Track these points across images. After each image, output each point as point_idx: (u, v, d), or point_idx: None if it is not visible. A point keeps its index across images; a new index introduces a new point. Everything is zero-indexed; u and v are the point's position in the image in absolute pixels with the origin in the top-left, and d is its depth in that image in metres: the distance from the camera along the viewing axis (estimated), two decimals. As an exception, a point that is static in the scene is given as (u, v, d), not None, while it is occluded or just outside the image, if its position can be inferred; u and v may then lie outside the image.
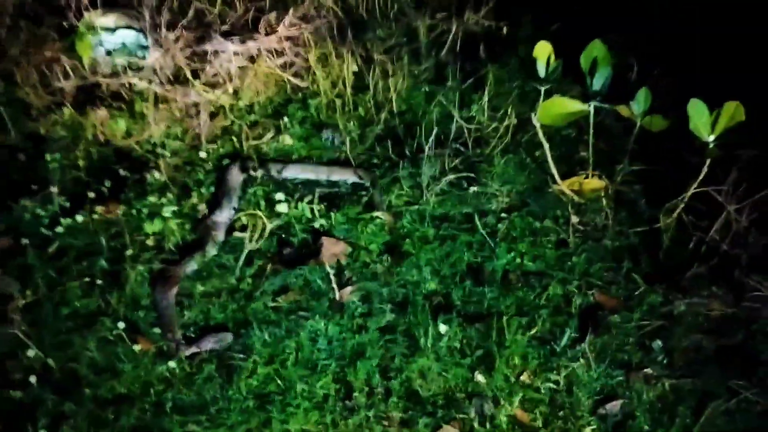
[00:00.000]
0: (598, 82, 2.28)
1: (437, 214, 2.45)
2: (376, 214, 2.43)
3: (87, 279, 2.18)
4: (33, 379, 1.93)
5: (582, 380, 1.98)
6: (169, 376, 1.97)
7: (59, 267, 2.21)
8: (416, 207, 2.46)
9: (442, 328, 2.08)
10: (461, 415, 1.90)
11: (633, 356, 2.06)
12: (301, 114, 2.74)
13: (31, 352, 1.98)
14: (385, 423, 1.89)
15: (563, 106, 2.26)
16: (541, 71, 2.27)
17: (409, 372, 1.99)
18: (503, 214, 2.44)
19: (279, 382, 1.96)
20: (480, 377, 1.98)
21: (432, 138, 2.50)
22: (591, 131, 2.37)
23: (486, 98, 2.66)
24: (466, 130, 2.63)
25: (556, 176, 2.40)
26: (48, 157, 2.50)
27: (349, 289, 2.20)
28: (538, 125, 2.28)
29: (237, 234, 2.36)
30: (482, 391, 1.96)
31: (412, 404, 1.93)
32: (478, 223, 2.39)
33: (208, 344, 2.04)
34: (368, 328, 2.10)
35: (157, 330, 2.08)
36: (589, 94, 2.32)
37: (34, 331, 2.04)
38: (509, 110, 2.63)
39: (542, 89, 2.32)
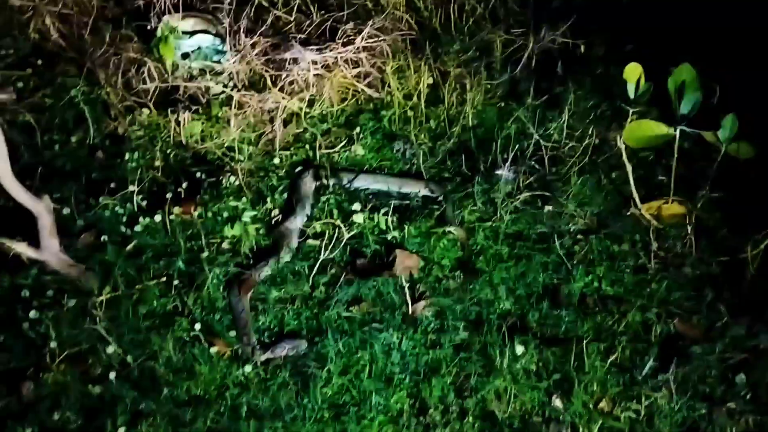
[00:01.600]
0: (686, 107, 2.23)
1: (511, 232, 2.41)
2: (448, 229, 2.41)
3: (164, 279, 2.20)
4: (112, 375, 1.96)
5: (663, 411, 1.93)
6: (244, 381, 1.98)
7: (137, 265, 2.24)
8: (489, 224, 2.43)
9: (519, 349, 2.05)
10: (539, 439, 1.87)
11: (716, 389, 2.00)
12: (373, 124, 2.73)
13: (110, 349, 2.01)
14: (460, 442, 1.87)
15: (650, 128, 2.21)
16: (631, 92, 2.23)
17: (485, 392, 1.96)
18: (579, 236, 2.39)
19: (354, 393, 1.95)
20: (557, 402, 1.94)
21: (508, 154, 2.48)
22: (675, 155, 2.32)
23: (565, 116, 2.62)
24: (543, 148, 2.59)
25: (637, 199, 2.35)
26: (127, 156, 2.53)
27: (422, 303, 2.18)
28: (622, 147, 2.24)
29: (310, 241, 2.36)
30: (560, 416, 1.92)
31: (488, 425, 1.90)
32: (554, 244, 2.35)
33: (283, 350, 2.04)
34: (442, 344, 2.08)
35: (232, 333, 2.08)
36: (675, 117, 2.27)
37: (113, 327, 2.07)
38: (590, 129, 2.59)
39: (631, 111, 2.27)
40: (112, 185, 2.42)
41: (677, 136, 2.26)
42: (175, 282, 2.14)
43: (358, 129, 2.67)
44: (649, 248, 2.31)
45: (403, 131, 2.67)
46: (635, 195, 2.33)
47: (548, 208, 2.47)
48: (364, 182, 2.54)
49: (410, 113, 2.70)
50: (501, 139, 2.61)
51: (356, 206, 2.41)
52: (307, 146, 2.60)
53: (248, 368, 1.98)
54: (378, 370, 2.00)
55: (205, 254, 2.21)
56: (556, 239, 2.36)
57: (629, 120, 2.27)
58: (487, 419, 1.91)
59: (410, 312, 2.15)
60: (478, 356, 2.05)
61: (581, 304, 2.20)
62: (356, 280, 2.22)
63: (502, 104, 2.77)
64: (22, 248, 2.14)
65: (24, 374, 1.92)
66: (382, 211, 2.38)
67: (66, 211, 2.35)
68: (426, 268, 2.28)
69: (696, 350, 2.06)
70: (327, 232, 2.33)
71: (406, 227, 2.38)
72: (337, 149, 2.61)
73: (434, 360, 2.03)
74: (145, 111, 2.70)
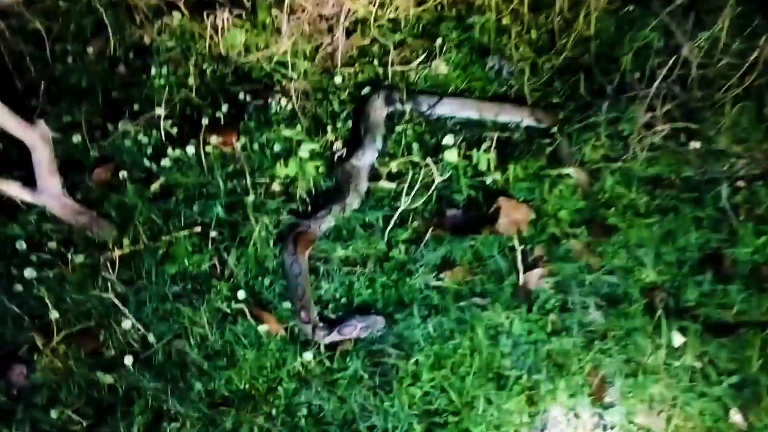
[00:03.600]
0: None
1: (648, 176, 1.84)
2: (565, 170, 1.83)
3: (198, 229, 1.69)
4: (128, 359, 1.47)
5: None
6: (302, 372, 1.48)
7: (164, 211, 1.74)
8: (619, 164, 1.86)
9: (676, 339, 1.49)
10: (718, 475, 1.33)
11: None
12: (459, 35, 2.15)
13: (126, 323, 1.52)
14: (604, 472, 1.35)
15: None
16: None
17: (636, 398, 1.42)
18: (740, 183, 1.79)
19: (452, 395, 1.43)
20: (737, 417, 1.39)
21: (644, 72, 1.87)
22: None
23: (724, 24, 1.97)
24: (688, 66, 1.96)
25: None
26: (153, 71, 2.03)
27: (537, 271, 1.64)
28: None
29: (384, 184, 1.82)
30: (743, 439, 1.38)
31: (641, 448, 1.38)
32: (708, 194, 1.76)
33: (354, 331, 1.53)
34: (569, 329, 1.53)
35: (286, 305, 1.57)
36: None
37: (131, 294, 1.58)
38: (753, 43, 1.95)
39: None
40: (135, 107, 1.95)
41: None
42: (213, 234, 1.69)
43: (439, 40, 2.12)
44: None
45: (497, 43, 2.13)
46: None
47: (694, 144, 1.88)
48: (450, 108, 2.03)
49: (507, 20, 2.13)
50: (626, 53, 1.97)
51: (448, 140, 1.83)
52: (376, 62, 2.09)
53: (308, 355, 1.48)
54: (483, 364, 1.47)
55: (251, 198, 1.72)
56: (707, 187, 1.77)
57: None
58: (639, 439, 1.38)
59: (521, 283, 1.61)
60: (620, 348, 1.50)
61: (754, 277, 1.61)
62: (447, 237, 1.68)
63: (630, 7, 2.09)
64: (13, 190, 1.65)
65: (14, 355, 1.46)
66: (483, 147, 1.80)
67: (76, 138, 1.85)
68: (539, 222, 1.73)
69: None
70: (406, 172, 1.76)
71: (511, 167, 1.81)
72: (413, 66, 2.07)
73: (560, 352, 1.49)
74: (177, 15, 2.17)
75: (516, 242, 1.63)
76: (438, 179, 1.73)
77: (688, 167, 1.86)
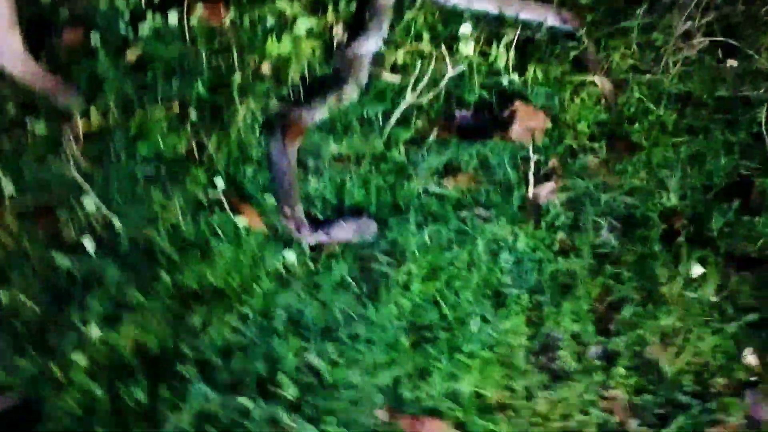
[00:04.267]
0: None
1: (679, 93, 1.66)
2: (589, 78, 1.65)
3: (176, 107, 1.50)
4: (89, 244, 1.31)
5: None
6: (283, 273, 1.33)
7: (140, 84, 1.54)
8: (648, 77, 1.67)
9: (695, 269, 1.36)
10: (726, 417, 1.22)
11: None
12: None
13: (89, 204, 1.36)
14: (606, 402, 1.23)
15: None
16: None
17: (643, 331, 1.30)
18: (778, 107, 1.63)
19: (445, 310, 1.30)
20: (751, 358, 1.28)
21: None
22: None
23: None
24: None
25: None
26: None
27: (549, 185, 1.48)
28: None
29: (387, 76, 1.63)
30: (760, 380, 1.26)
31: (646, 382, 1.26)
32: (743, 117, 1.60)
33: (342, 233, 1.38)
34: (579, 250, 1.39)
35: (270, 200, 1.41)
36: None
37: (97, 173, 1.41)
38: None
39: None
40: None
41: None
42: (192, 114, 1.46)
43: None
44: None
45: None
46: None
47: (732, 62, 1.69)
48: (466, -1, 1.75)
49: None
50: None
51: (465, 28, 1.63)
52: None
53: (290, 254, 1.33)
54: (481, 279, 1.34)
55: (237, 78, 1.50)
56: (742, 109, 1.60)
57: None
58: (647, 372, 1.26)
59: (531, 196, 1.45)
60: (633, 274, 1.36)
61: (785, 210, 1.47)
62: (453, 140, 1.51)
63: None
64: (-34, 43, 1.44)
65: (-39, 230, 1.30)
66: (503, 41, 1.61)
67: (43, -9, 1.62)
68: (556, 132, 1.56)
69: None
70: (412, 65, 1.58)
71: (530, 69, 1.62)
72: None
73: (566, 273, 1.35)
74: None
75: (531, 151, 1.46)
76: (450, 72, 1.54)
77: (722, 86, 1.67)
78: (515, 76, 1.63)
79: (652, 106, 1.63)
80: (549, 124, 1.58)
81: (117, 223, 1.36)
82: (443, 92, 1.59)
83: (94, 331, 1.23)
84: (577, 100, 1.63)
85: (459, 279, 1.34)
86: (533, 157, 1.45)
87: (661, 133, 1.59)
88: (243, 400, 1.18)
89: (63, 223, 1.35)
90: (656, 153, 1.55)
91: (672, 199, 1.48)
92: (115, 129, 1.48)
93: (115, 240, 1.34)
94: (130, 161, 1.44)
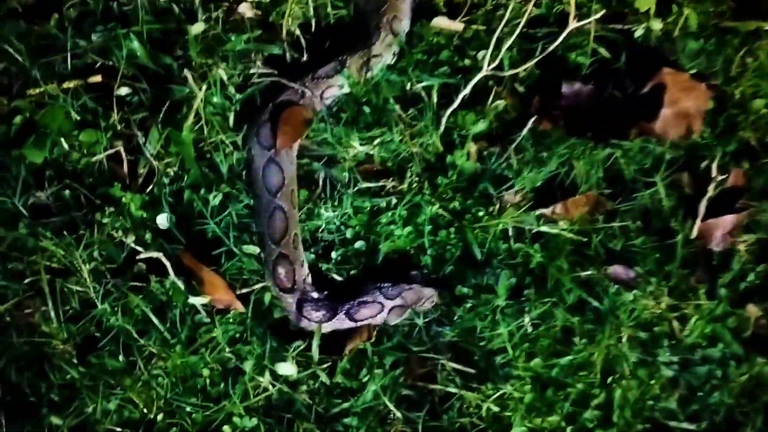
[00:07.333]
0: None
1: None
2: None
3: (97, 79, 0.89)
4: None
5: None
6: (273, 399, 0.74)
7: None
8: None
9: None
10: None
11: None
12: None
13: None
14: None
15: None
16: None
17: None
18: None
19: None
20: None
21: None
22: None
23: None
24: None
25: None
26: None
27: (728, 220, 0.88)
28: None
29: (441, 22, 1.08)
30: None
31: None
32: None
33: (377, 312, 0.79)
34: None
35: (250, 249, 0.81)
36: None
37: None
38: None
39: None
40: None
41: None
42: (121, 90, 0.86)
43: None
44: None
45: None
46: None
47: None
48: None
49: None
50: None
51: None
52: None
53: (285, 366, 0.75)
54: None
55: (198, 27, 0.88)
56: None
57: None
58: None
59: (694, 237, 0.85)
60: None
61: None
62: (559, 135, 0.95)
63: None
64: None
65: None
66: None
67: None
68: (722, 117, 0.95)
69: None
70: (483, 3, 0.96)
71: (685, 13, 1.00)
72: None
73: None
74: None
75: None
76: (528, 10, 0.88)
77: None
78: (656, 24, 0.98)
79: None
80: (711, 104, 0.95)
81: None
82: (540, 52, 0.94)
83: None
84: (752, 64, 0.98)
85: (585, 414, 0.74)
86: (713, 172, 0.83)
87: None
88: None
89: None
90: None
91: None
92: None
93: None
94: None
